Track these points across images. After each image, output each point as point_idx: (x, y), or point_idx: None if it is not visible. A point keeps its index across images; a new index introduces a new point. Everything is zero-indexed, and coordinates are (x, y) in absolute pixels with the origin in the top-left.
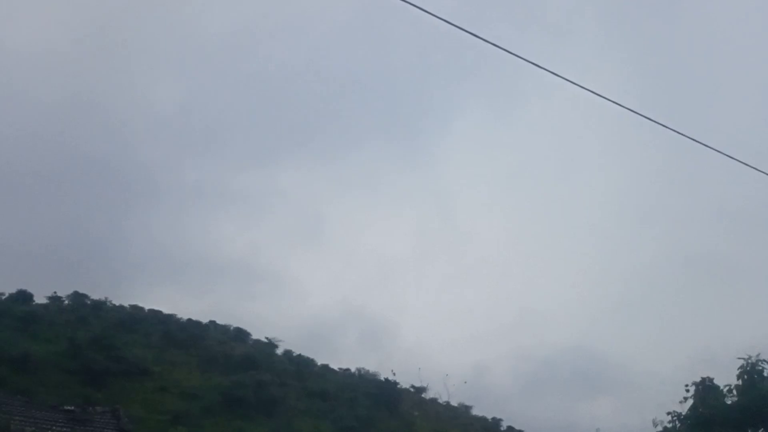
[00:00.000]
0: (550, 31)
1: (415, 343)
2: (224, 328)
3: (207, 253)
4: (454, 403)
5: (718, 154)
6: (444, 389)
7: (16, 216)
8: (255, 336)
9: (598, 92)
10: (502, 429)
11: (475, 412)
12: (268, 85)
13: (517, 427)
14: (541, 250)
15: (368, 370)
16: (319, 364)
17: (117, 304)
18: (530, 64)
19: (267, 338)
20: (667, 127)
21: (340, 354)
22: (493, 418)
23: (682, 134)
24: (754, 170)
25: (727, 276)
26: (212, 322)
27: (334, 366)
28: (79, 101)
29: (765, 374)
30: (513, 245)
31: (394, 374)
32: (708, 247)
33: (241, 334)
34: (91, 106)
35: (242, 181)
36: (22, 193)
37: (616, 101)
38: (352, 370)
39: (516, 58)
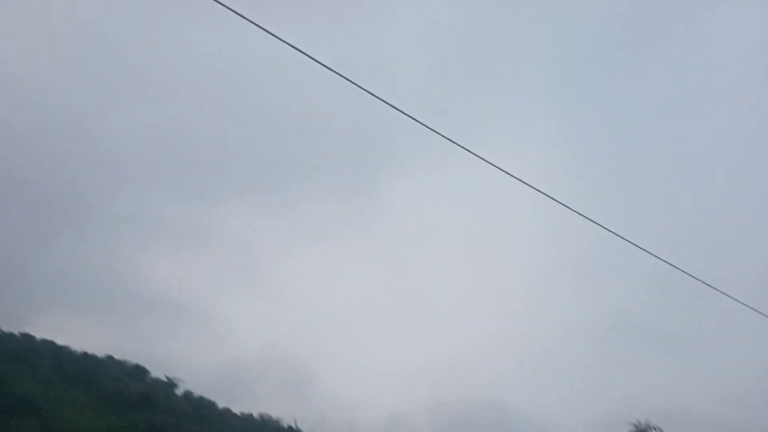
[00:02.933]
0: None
1: (334, 392)
2: (121, 364)
3: (129, 285)
4: None
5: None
6: None
7: None
8: (154, 374)
9: (519, 178)
10: None
11: None
12: (221, 121)
13: None
14: (471, 306)
15: (271, 416)
16: (221, 407)
17: (6, 331)
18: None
19: (166, 377)
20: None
21: (254, 399)
22: None
23: (600, 224)
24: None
25: (647, 339)
26: (109, 357)
27: (237, 410)
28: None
29: None
30: (445, 300)
31: (296, 422)
32: (631, 311)
33: (138, 371)
34: (30, 128)
35: (181, 216)
36: None
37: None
38: (255, 415)
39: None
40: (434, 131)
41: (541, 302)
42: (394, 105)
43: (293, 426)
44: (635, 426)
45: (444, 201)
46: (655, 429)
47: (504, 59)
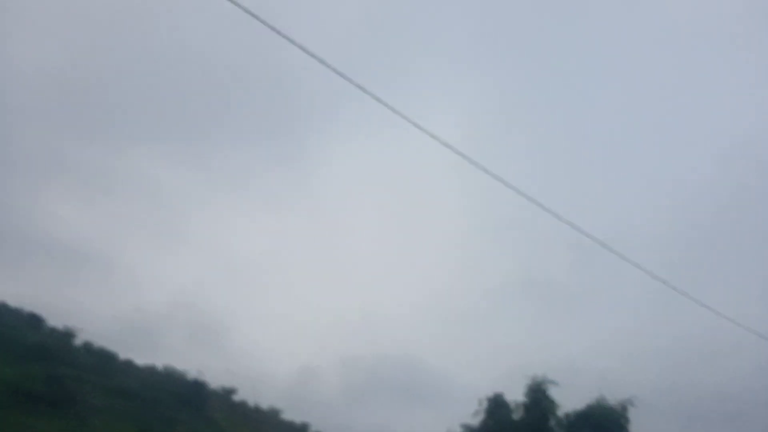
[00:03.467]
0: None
1: (245, 345)
2: (16, 312)
3: (25, 229)
4: (263, 406)
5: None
6: (254, 392)
7: None
8: (52, 323)
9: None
10: None
11: (288, 416)
12: (137, 64)
13: None
14: (390, 264)
15: (175, 368)
16: (122, 358)
17: None
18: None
19: (65, 326)
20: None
21: (161, 351)
22: (302, 423)
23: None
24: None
25: (559, 301)
26: (2, 304)
27: (139, 362)
28: None
29: (548, 394)
30: (364, 256)
31: (202, 374)
32: (546, 273)
33: (34, 320)
34: None
35: (86, 158)
36: None
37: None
38: (158, 367)
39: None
40: (360, 87)
41: (458, 262)
42: (321, 59)
43: (198, 378)
44: (532, 380)
45: (370, 158)
46: (551, 382)
47: (429, 21)
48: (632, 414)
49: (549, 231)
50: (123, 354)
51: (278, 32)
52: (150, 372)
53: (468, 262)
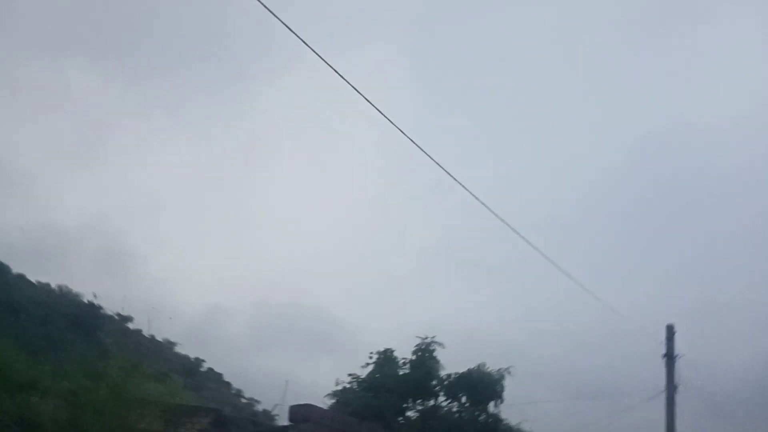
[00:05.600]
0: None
1: (156, 276)
2: None
3: None
4: (159, 337)
5: None
6: (150, 322)
7: None
8: None
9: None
10: (201, 369)
11: (183, 350)
12: None
13: (218, 370)
14: (310, 217)
15: (71, 289)
16: (14, 272)
17: None
18: None
19: None
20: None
21: (62, 271)
22: (196, 358)
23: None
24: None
25: (473, 273)
26: None
27: (33, 278)
28: None
29: (434, 354)
30: (286, 205)
31: (96, 297)
32: (463, 244)
33: None
34: None
35: (16, 66)
36: None
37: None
38: (53, 285)
39: None
40: (292, 32)
41: (376, 221)
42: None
43: (93, 302)
44: (421, 339)
45: (300, 103)
46: (438, 344)
47: None
48: (508, 382)
49: (467, 203)
50: (17, 268)
51: None
52: (43, 290)
53: (386, 224)
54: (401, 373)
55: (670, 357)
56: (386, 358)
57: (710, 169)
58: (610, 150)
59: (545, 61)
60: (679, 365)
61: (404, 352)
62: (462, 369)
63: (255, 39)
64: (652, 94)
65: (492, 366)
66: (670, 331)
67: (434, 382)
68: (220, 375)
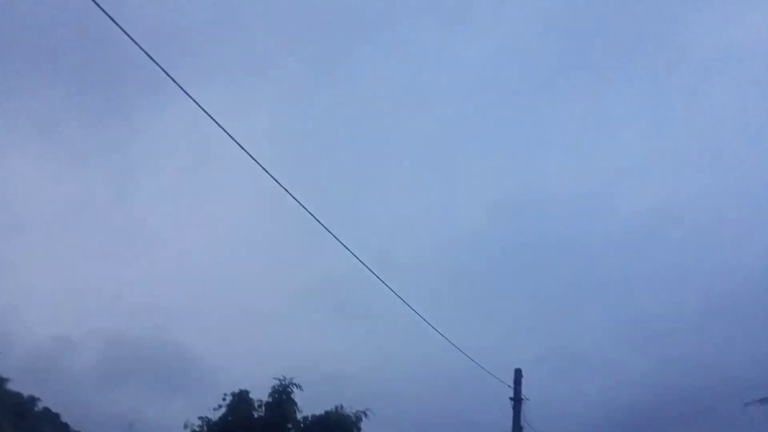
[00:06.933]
0: None
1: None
2: None
3: None
4: None
5: None
6: None
7: None
8: None
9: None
10: (36, 409)
11: (16, 387)
12: None
13: (55, 410)
14: (180, 249)
15: None
16: None
17: None
18: None
19: None
20: None
21: None
22: (30, 396)
23: None
24: None
25: (343, 313)
26: None
27: None
28: None
29: (292, 396)
30: (156, 236)
31: None
32: (331, 281)
33: None
34: None
35: None
36: None
37: None
38: None
39: None
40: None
41: (252, 262)
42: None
43: None
44: (279, 381)
45: (183, 146)
46: (296, 385)
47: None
48: (366, 424)
49: (341, 250)
50: None
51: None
52: None
53: (263, 265)
54: (256, 415)
55: (517, 400)
56: (240, 399)
57: (559, 232)
58: (472, 209)
59: (424, 120)
60: (525, 408)
61: (262, 393)
62: (320, 411)
63: (139, 73)
64: (511, 161)
65: (350, 408)
66: (518, 374)
67: (289, 425)
68: (56, 415)
